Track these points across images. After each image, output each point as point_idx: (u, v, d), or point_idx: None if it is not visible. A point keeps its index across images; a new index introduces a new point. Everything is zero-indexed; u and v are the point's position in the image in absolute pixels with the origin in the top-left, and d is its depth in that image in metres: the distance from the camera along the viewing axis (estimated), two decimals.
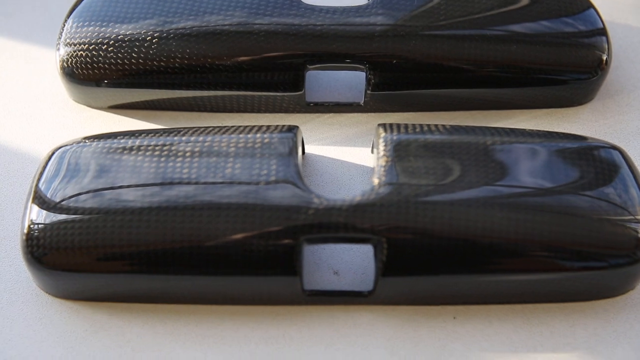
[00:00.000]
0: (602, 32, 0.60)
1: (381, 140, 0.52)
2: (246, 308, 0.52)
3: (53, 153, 0.54)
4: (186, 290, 0.51)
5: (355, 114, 0.61)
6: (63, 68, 0.59)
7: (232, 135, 0.52)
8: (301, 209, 0.49)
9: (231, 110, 0.61)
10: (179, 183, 0.50)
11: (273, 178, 0.50)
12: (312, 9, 0.58)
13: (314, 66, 0.57)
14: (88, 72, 0.58)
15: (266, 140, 0.52)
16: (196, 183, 0.50)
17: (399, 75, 0.58)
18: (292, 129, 0.53)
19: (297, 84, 0.58)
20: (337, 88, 0.63)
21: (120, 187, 0.50)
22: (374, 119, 0.61)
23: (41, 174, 0.53)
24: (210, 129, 0.54)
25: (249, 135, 0.52)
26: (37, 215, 0.51)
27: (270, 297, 0.51)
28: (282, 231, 0.48)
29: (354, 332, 0.51)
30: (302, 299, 0.51)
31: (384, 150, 0.51)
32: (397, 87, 0.58)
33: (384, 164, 0.50)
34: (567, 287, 0.51)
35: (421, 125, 0.53)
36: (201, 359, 0.50)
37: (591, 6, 0.61)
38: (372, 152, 0.58)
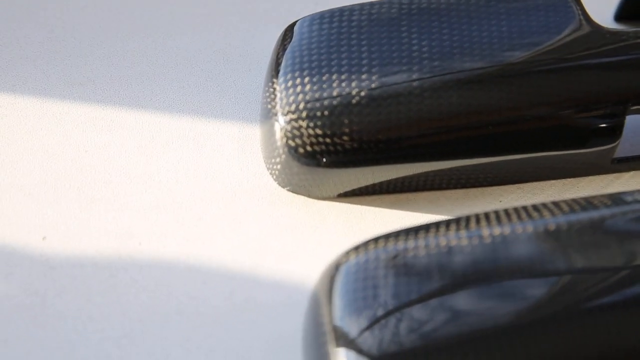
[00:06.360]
0: None
1: None
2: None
3: (336, 268, 0.37)
4: None
5: None
6: (288, 146, 0.43)
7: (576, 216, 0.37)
8: None
9: (505, 182, 0.45)
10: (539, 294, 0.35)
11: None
12: (603, 31, 0.43)
13: (636, 107, 0.43)
14: (324, 148, 0.42)
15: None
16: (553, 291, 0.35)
17: None
18: None
19: (614, 133, 0.44)
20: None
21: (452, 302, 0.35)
22: None
23: (330, 302, 0.36)
24: (535, 206, 0.38)
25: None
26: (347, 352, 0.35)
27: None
28: None
29: None
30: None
31: None
32: None
33: None
34: None
35: None
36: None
37: None
38: None
